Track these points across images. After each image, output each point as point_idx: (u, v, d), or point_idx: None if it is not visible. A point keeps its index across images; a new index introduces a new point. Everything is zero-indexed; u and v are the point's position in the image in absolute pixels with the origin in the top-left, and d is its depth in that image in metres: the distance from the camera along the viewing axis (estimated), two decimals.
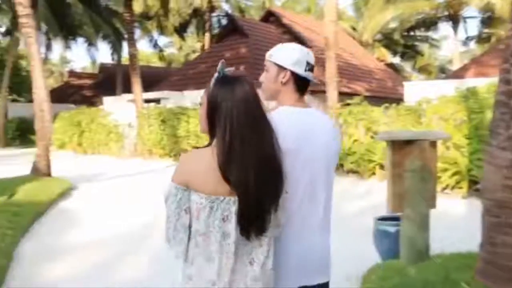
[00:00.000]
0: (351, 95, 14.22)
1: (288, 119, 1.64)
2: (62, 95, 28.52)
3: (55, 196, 7.92)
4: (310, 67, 1.74)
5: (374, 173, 9.57)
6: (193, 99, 14.44)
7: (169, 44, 41.97)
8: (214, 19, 32.19)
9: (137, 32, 26.35)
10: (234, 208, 1.44)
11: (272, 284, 1.55)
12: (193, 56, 34.39)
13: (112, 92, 23.45)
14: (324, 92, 12.01)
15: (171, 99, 15.82)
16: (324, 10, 12.28)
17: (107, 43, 26.54)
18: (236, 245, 1.45)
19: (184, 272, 1.52)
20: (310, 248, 1.67)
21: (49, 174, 9.97)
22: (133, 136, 15.72)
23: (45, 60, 27.09)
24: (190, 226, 1.49)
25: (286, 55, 1.72)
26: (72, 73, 36.30)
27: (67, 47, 26.81)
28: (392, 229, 4.13)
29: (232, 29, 20.87)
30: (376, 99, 14.73)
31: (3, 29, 26.25)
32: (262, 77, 1.78)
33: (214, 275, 1.45)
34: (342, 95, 12.94)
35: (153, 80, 21.83)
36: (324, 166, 1.70)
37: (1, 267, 4.32)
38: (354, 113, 10.41)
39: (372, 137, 9.77)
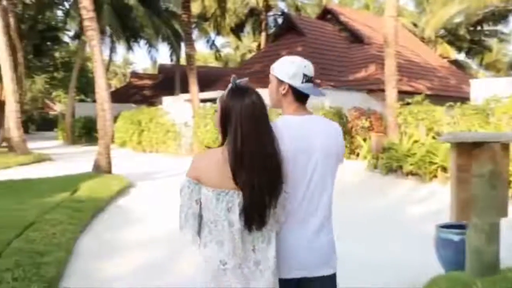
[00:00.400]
0: (412, 93, 13.63)
1: (287, 126, 1.84)
2: (124, 95, 29.76)
3: (114, 194, 8.17)
4: (307, 79, 1.92)
5: (435, 176, 9.08)
6: None
7: (226, 44, 42.68)
8: (270, 19, 32.23)
9: (195, 33, 26.93)
10: (237, 201, 1.67)
11: (276, 269, 1.74)
12: (249, 55, 34.63)
13: (171, 92, 24.08)
14: (383, 90, 11.57)
15: None
16: (384, 5, 11.83)
17: (166, 44, 27.33)
18: (240, 232, 1.67)
19: (200, 255, 1.75)
20: (309, 244, 1.84)
21: (109, 172, 10.35)
22: (190, 135, 16.04)
23: (110, 62, 28.41)
24: (200, 215, 1.73)
25: (284, 70, 1.92)
26: (134, 74, 37.88)
27: (130, 49, 27.98)
28: (456, 237, 3.84)
29: (288, 28, 20.75)
30: (439, 98, 14.00)
31: (72, 33, 27.91)
32: (269, 88, 2.00)
33: (224, 256, 1.69)
34: (402, 93, 12.40)
35: (210, 80, 22.18)
36: (324, 167, 1.87)
37: (61, 261, 4.48)
38: (414, 113, 9.96)
39: (433, 138, 9.28)
